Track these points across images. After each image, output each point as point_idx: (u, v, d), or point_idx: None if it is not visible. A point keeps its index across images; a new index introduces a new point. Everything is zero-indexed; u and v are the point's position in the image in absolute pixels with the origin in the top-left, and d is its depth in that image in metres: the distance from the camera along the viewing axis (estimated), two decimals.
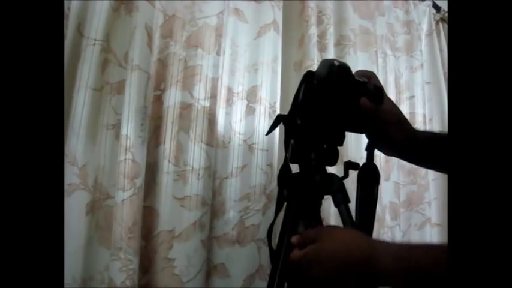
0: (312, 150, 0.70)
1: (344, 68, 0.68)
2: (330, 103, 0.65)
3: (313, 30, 1.17)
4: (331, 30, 1.24)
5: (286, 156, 0.74)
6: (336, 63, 0.67)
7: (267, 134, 0.86)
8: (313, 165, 0.71)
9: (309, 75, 0.68)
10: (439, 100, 1.64)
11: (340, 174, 0.73)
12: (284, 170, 0.75)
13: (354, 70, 1.23)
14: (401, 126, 0.71)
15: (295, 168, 0.75)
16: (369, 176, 0.72)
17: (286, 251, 0.70)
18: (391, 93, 1.43)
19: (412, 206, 1.45)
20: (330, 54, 1.22)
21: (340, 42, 1.29)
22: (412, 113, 1.51)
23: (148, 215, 0.92)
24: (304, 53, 1.17)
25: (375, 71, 1.33)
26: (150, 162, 0.94)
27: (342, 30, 1.30)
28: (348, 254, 0.55)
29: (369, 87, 0.69)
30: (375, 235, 1.19)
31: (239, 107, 1.07)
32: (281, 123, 0.74)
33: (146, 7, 0.93)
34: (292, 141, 0.73)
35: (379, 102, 0.68)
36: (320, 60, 1.18)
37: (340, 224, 0.71)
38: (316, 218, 0.71)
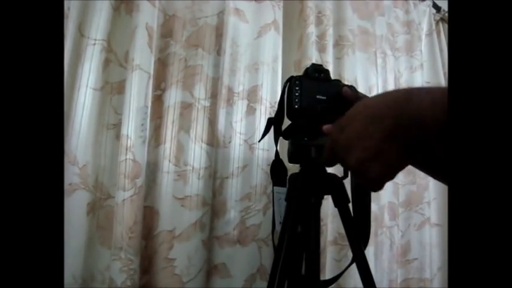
0: (311, 149, 0.71)
1: (317, 67, 0.75)
2: (309, 97, 0.71)
3: (311, 29, 1.18)
4: (330, 31, 1.24)
5: (276, 151, 0.81)
6: (312, 65, 0.75)
7: (259, 140, 0.89)
8: (314, 163, 0.72)
9: (290, 78, 0.74)
10: None
11: (340, 174, 0.74)
12: (276, 164, 0.82)
13: (352, 70, 1.24)
14: None
15: (294, 168, 0.75)
16: None
17: (286, 250, 0.71)
18: None
19: (412, 206, 1.45)
20: (329, 55, 1.22)
21: (339, 43, 1.29)
22: None
23: (148, 214, 0.92)
24: (303, 52, 1.17)
25: (374, 71, 1.33)
26: (151, 162, 0.94)
27: (341, 31, 1.30)
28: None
29: (341, 83, 0.76)
30: (372, 235, 1.20)
31: (240, 107, 1.07)
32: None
33: (146, 7, 0.93)
34: (289, 142, 0.74)
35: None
36: (319, 60, 1.18)
37: (340, 225, 0.72)
38: (315, 218, 0.72)
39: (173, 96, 0.98)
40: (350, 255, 1.10)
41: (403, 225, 1.43)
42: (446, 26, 1.79)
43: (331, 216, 1.12)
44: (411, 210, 1.45)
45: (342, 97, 0.70)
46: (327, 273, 1.07)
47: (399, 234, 1.39)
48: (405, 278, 1.40)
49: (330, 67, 1.20)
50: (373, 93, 1.31)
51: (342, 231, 1.09)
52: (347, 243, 1.10)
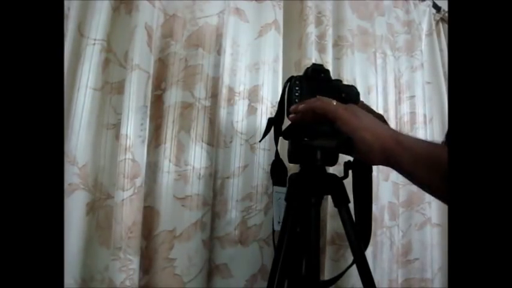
0: (317, 151, 0.71)
1: (317, 67, 0.76)
2: (309, 97, 0.70)
3: (310, 29, 1.17)
4: (330, 31, 1.24)
5: (277, 151, 0.81)
6: (313, 65, 0.76)
7: (260, 140, 0.89)
8: (317, 165, 0.72)
9: (290, 78, 0.74)
10: (439, 100, 1.64)
11: (340, 174, 0.74)
12: (276, 164, 0.82)
13: (351, 71, 1.25)
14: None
15: (294, 168, 0.75)
16: (362, 163, 0.74)
17: (286, 250, 0.71)
18: (391, 94, 1.43)
19: (413, 205, 1.45)
20: (329, 55, 1.22)
21: (338, 43, 1.29)
22: (413, 113, 1.50)
23: (149, 215, 0.92)
24: (302, 52, 1.17)
25: (373, 71, 1.33)
26: (151, 162, 0.94)
27: (340, 31, 1.29)
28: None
29: (343, 84, 0.77)
30: (372, 235, 1.20)
31: (240, 107, 1.07)
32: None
33: (146, 6, 0.93)
34: (289, 142, 0.75)
35: (355, 102, 0.74)
36: (319, 60, 1.18)
37: (338, 224, 0.72)
38: (315, 218, 0.72)
39: (173, 96, 0.98)
40: (348, 255, 1.10)
41: (404, 225, 1.43)
42: (446, 26, 1.78)
43: (329, 216, 1.12)
44: (412, 210, 1.45)
45: (343, 98, 0.71)
46: (325, 273, 1.07)
47: (400, 235, 1.38)
48: (406, 278, 1.39)
49: (329, 67, 1.19)
50: (373, 93, 1.31)
51: (340, 231, 1.09)
52: (345, 243, 1.10)
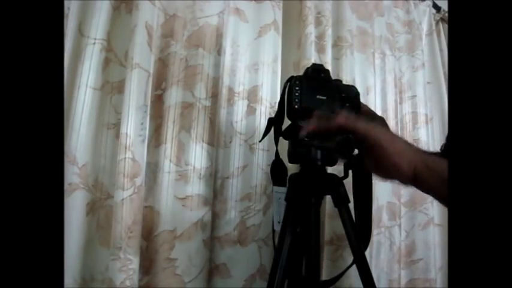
0: (317, 151, 0.71)
1: (317, 67, 0.76)
2: (309, 97, 0.71)
3: (310, 30, 1.17)
4: (329, 31, 1.24)
5: (277, 151, 0.82)
6: (313, 65, 0.76)
7: (260, 140, 0.89)
8: (317, 165, 0.72)
9: (290, 78, 0.74)
10: (439, 100, 1.64)
11: (340, 174, 0.74)
12: (276, 164, 0.83)
13: (350, 71, 1.25)
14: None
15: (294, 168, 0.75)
16: (362, 163, 0.74)
17: (286, 250, 0.71)
18: (390, 94, 1.43)
19: (416, 205, 1.45)
20: (328, 56, 1.22)
21: (337, 44, 1.29)
22: (414, 113, 1.50)
23: (149, 215, 0.92)
24: (301, 52, 1.17)
25: (371, 71, 1.33)
26: (151, 161, 0.94)
27: (339, 32, 1.29)
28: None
29: (342, 84, 0.77)
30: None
31: (240, 107, 1.07)
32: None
33: (146, 6, 0.93)
34: (289, 142, 0.75)
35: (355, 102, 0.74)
36: (318, 60, 1.18)
37: (336, 225, 0.72)
38: (315, 218, 0.72)
39: (174, 96, 0.98)
40: (346, 255, 1.10)
41: (408, 225, 1.42)
42: (446, 26, 1.78)
43: (327, 216, 1.12)
44: (415, 210, 1.44)
45: (343, 98, 0.71)
46: (322, 274, 1.07)
47: (403, 235, 1.38)
48: (411, 279, 1.39)
49: (328, 68, 1.19)
50: (371, 93, 1.31)
51: (338, 231, 1.09)
52: (343, 243, 1.10)
